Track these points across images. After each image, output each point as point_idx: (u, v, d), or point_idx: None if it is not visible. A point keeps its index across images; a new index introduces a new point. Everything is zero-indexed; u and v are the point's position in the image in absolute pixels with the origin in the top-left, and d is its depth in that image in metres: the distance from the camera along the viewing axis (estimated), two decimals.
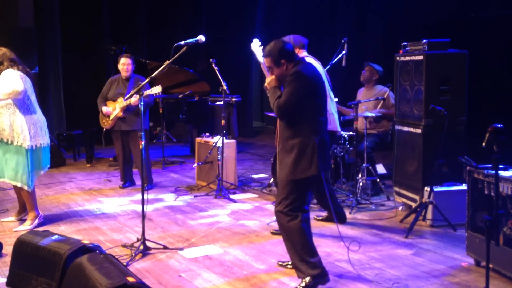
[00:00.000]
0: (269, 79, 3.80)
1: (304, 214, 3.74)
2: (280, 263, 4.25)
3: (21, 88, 4.98)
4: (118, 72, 6.95)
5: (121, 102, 6.66)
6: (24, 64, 5.21)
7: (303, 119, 3.66)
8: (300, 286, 3.72)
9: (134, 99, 6.40)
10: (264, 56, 3.81)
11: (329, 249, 4.59)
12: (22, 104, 5.08)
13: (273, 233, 5.04)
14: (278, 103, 3.65)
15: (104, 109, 6.77)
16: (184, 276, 4.07)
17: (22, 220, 5.43)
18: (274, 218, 5.48)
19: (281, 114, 3.70)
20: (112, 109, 6.76)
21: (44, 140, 5.26)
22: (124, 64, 6.74)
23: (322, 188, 4.84)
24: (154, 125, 9.88)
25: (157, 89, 6.25)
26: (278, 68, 3.74)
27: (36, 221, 5.30)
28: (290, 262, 4.14)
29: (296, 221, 3.71)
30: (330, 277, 3.78)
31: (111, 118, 6.77)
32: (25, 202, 5.36)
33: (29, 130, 5.08)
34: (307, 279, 3.70)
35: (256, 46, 4.78)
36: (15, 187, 5.36)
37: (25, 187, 5.14)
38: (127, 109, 6.66)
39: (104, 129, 7.01)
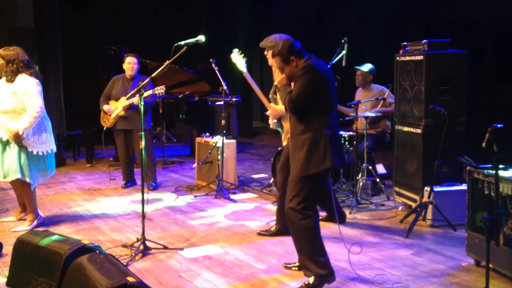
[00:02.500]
0: (280, 77, 3.80)
1: (315, 216, 3.73)
2: (285, 265, 4.21)
3: (42, 104, 5.03)
4: (118, 72, 6.95)
5: (123, 101, 6.67)
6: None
7: (314, 113, 3.65)
8: (306, 284, 3.71)
9: (137, 99, 6.41)
10: (272, 56, 3.80)
11: (329, 249, 4.56)
12: None
13: (259, 234, 5.03)
14: (290, 97, 3.64)
15: (106, 107, 6.78)
16: (184, 276, 4.07)
17: (22, 220, 5.43)
18: (274, 217, 5.52)
19: (293, 108, 3.66)
20: (114, 108, 6.77)
21: (53, 146, 5.25)
22: (130, 63, 6.75)
23: (324, 188, 4.86)
24: (154, 125, 9.86)
25: (160, 89, 6.34)
26: (288, 66, 3.74)
27: (35, 222, 5.29)
28: (296, 264, 4.12)
29: (308, 220, 3.68)
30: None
31: (112, 116, 6.78)
32: (25, 203, 5.35)
33: (39, 136, 5.08)
34: (314, 278, 3.68)
35: (236, 56, 4.76)
36: (15, 188, 5.34)
37: (27, 180, 5.08)
38: (129, 108, 6.68)
39: (105, 128, 7.00)
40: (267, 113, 4.84)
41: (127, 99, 6.49)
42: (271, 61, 4.79)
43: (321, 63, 3.75)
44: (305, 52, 3.80)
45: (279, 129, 4.98)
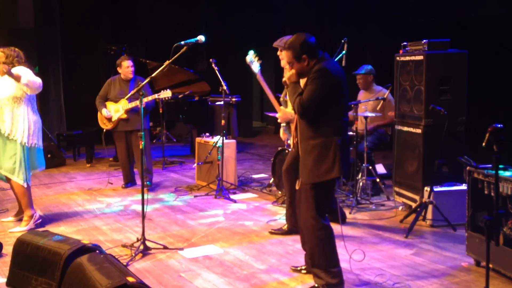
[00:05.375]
0: (289, 73, 3.66)
1: (330, 225, 3.68)
2: (293, 268, 4.16)
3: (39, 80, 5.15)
4: (118, 72, 6.95)
5: (124, 104, 6.68)
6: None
7: (325, 118, 3.54)
8: None
9: (146, 99, 6.49)
10: (284, 49, 3.65)
11: None
12: (28, 101, 5.16)
13: (271, 233, 5.04)
14: (300, 101, 3.50)
15: (104, 111, 6.76)
16: (184, 276, 4.07)
17: (21, 220, 5.41)
18: (274, 217, 5.53)
19: (302, 113, 3.54)
20: (115, 111, 6.77)
21: (40, 141, 5.29)
22: (129, 67, 6.74)
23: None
24: (154, 125, 9.88)
25: (166, 94, 6.50)
26: (298, 63, 3.60)
27: (32, 221, 5.27)
28: (304, 267, 4.07)
29: (325, 231, 3.64)
30: None
31: (114, 119, 6.79)
32: (20, 202, 5.34)
33: (29, 128, 5.13)
34: (323, 286, 3.64)
35: (251, 58, 4.77)
36: (12, 187, 5.33)
37: (20, 182, 5.12)
38: (130, 110, 6.68)
39: (105, 130, 7.02)
40: (277, 115, 4.79)
41: (128, 99, 6.51)
42: (284, 62, 4.77)
43: (336, 66, 3.62)
44: (319, 50, 3.64)
45: (287, 132, 4.91)
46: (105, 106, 6.83)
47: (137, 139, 6.58)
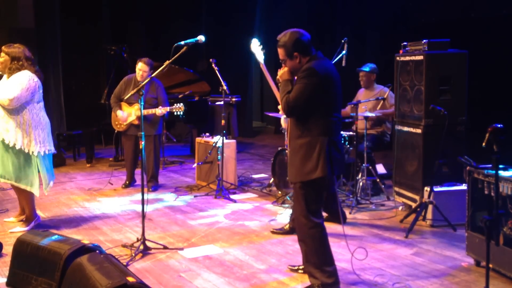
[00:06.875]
0: (282, 71, 3.66)
1: (323, 223, 3.68)
2: (290, 267, 4.16)
3: (17, 97, 4.82)
4: (118, 72, 6.94)
5: (138, 110, 6.63)
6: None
7: (312, 118, 3.53)
8: None
9: (160, 111, 6.50)
10: (278, 46, 3.63)
11: None
12: (32, 105, 4.97)
13: (273, 232, 5.05)
14: (287, 99, 3.52)
15: (119, 113, 6.72)
16: (184, 276, 4.07)
17: (22, 221, 5.41)
18: (274, 217, 5.53)
19: (288, 111, 3.56)
20: (127, 115, 6.76)
21: (51, 146, 5.17)
22: (141, 70, 6.61)
23: (330, 193, 4.83)
24: None
25: (178, 108, 6.53)
26: (291, 60, 3.60)
27: (33, 224, 5.26)
28: (301, 267, 4.06)
29: (317, 229, 3.63)
30: None
31: (125, 123, 6.78)
32: (23, 205, 5.31)
33: (37, 135, 4.98)
34: (318, 286, 3.64)
35: (255, 46, 4.79)
36: (15, 189, 5.29)
37: (22, 186, 5.02)
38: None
39: (116, 131, 7.01)
40: (279, 107, 4.81)
41: (126, 99, 6.49)
42: None
43: (326, 64, 3.60)
44: (312, 49, 3.62)
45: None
46: (120, 108, 6.78)
47: (147, 144, 6.47)
